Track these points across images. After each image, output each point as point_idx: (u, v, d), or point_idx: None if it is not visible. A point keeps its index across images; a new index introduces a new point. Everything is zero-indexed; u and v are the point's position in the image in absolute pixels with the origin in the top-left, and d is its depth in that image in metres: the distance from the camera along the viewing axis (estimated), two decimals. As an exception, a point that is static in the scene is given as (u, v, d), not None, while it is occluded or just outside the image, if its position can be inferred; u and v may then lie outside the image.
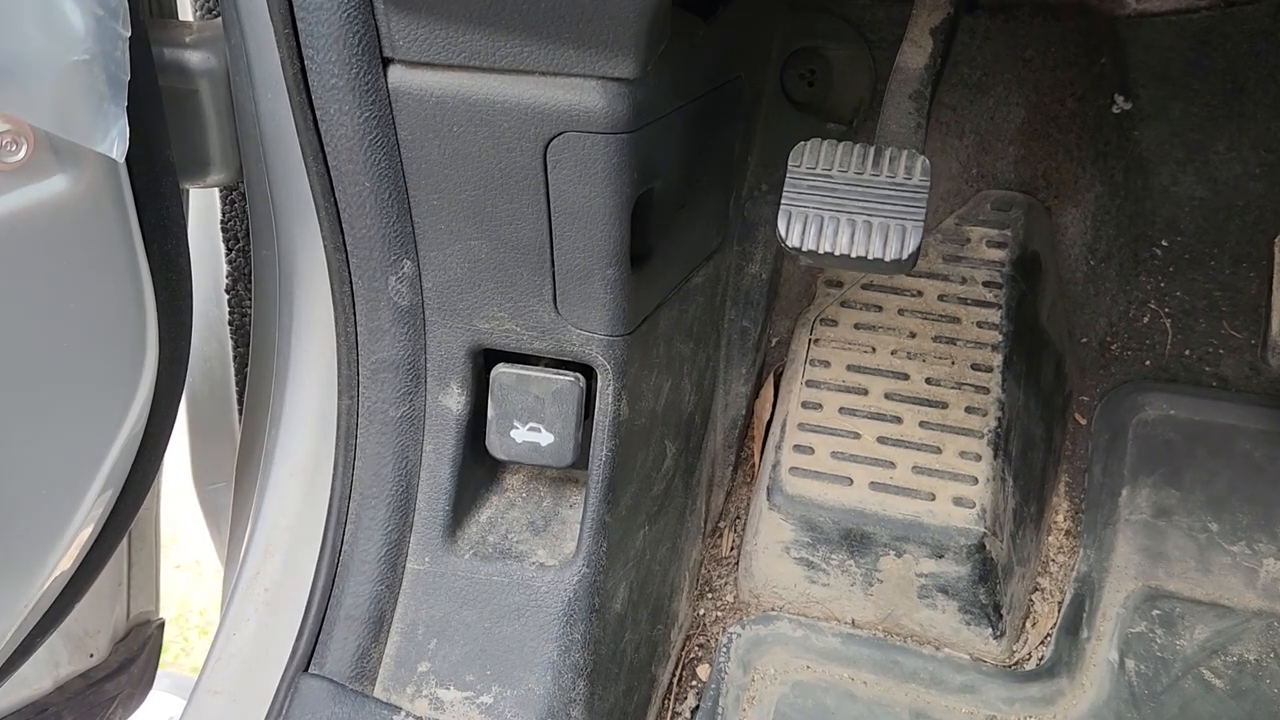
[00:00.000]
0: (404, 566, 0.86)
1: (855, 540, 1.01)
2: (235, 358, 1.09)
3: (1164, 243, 1.21)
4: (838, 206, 0.66)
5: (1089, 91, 1.13)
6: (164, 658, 1.20)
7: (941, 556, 1.00)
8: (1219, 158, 1.18)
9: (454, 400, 0.85)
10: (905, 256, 0.65)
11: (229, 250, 1.07)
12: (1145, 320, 1.21)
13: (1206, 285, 1.21)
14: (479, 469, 0.88)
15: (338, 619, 0.85)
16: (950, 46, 0.75)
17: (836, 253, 0.65)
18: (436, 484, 0.86)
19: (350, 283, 0.81)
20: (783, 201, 0.66)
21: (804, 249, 0.65)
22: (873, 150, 0.67)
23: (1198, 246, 1.20)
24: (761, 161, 1.07)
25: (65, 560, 0.87)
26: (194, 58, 0.86)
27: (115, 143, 0.69)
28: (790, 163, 0.67)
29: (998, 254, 1.09)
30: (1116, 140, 1.17)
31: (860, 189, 0.66)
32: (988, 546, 1.00)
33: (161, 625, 1.11)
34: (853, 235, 0.65)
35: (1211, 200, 1.19)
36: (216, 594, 1.35)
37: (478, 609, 0.86)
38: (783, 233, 0.65)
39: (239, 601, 0.93)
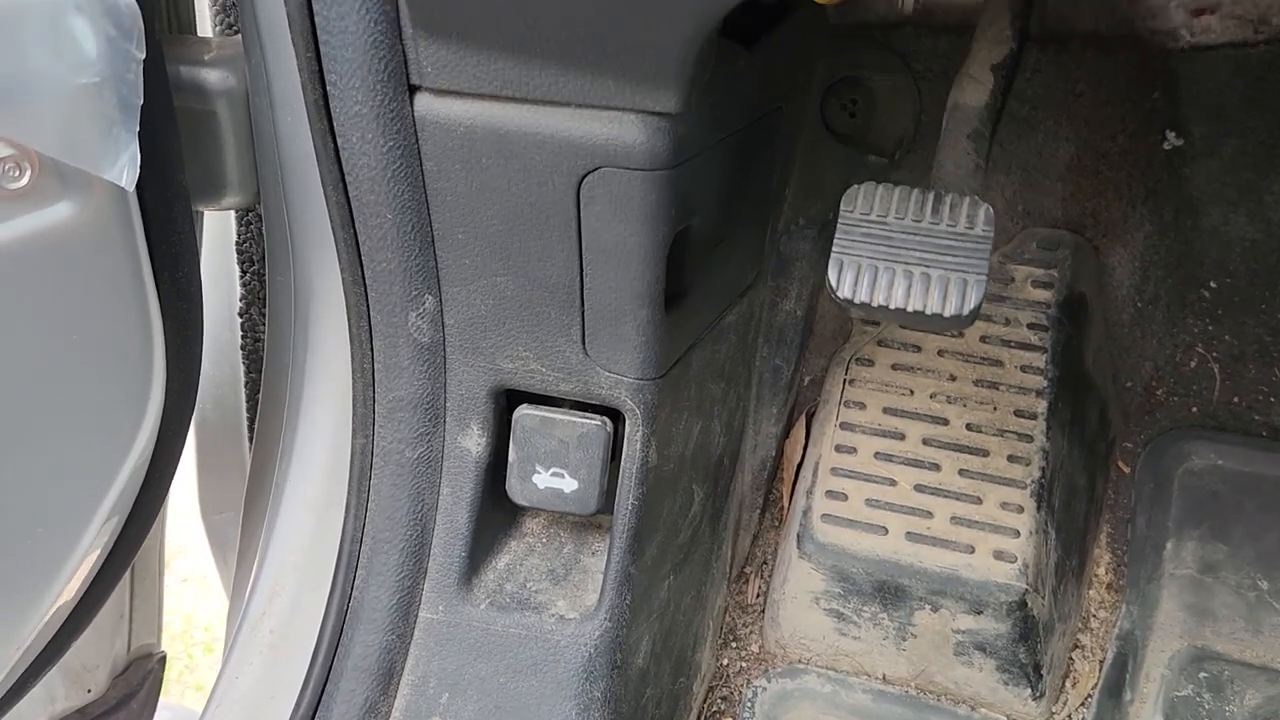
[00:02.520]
0: (416, 615, 0.82)
1: (889, 593, 0.97)
2: (246, 383, 1.05)
3: (1213, 284, 1.16)
4: (893, 256, 0.61)
5: (1140, 127, 1.09)
6: (168, 674, 1.16)
7: (980, 613, 0.95)
8: (1272, 198, 1.13)
9: (474, 442, 0.80)
10: (966, 313, 0.60)
11: (243, 273, 1.03)
12: (1192, 365, 1.16)
13: (1256, 330, 1.16)
14: (498, 513, 0.84)
15: (345, 669, 0.81)
16: (1011, 84, 0.70)
17: (891, 306, 0.61)
18: (453, 529, 0.82)
19: (369, 317, 0.77)
20: (834, 250, 0.61)
21: (856, 301, 0.61)
22: (931, 196, 0.62)
23: (1248, 289, 1.15)
24: (799, 194, 1.02)
25: (67, 591, 0.84)
26: (212, 76, 0.82)
27: (125, 170, 0.65)
28: (842, 207, 0.62)
29: (1043, 294, 1.04)
30: (1167, 178, 1.12)
31: (918, 238, 0.61)
32: (1029, 603, 0.95)
33: (163, 659, 1.07)
34: (909, 288, 0.61)
35: (1263, 242, 1.14)
36: (221, 610, 1.31)
37: (493, 662, 0.81)
38: (833, 283, 0.61)
39: (243, 642, 0.89)
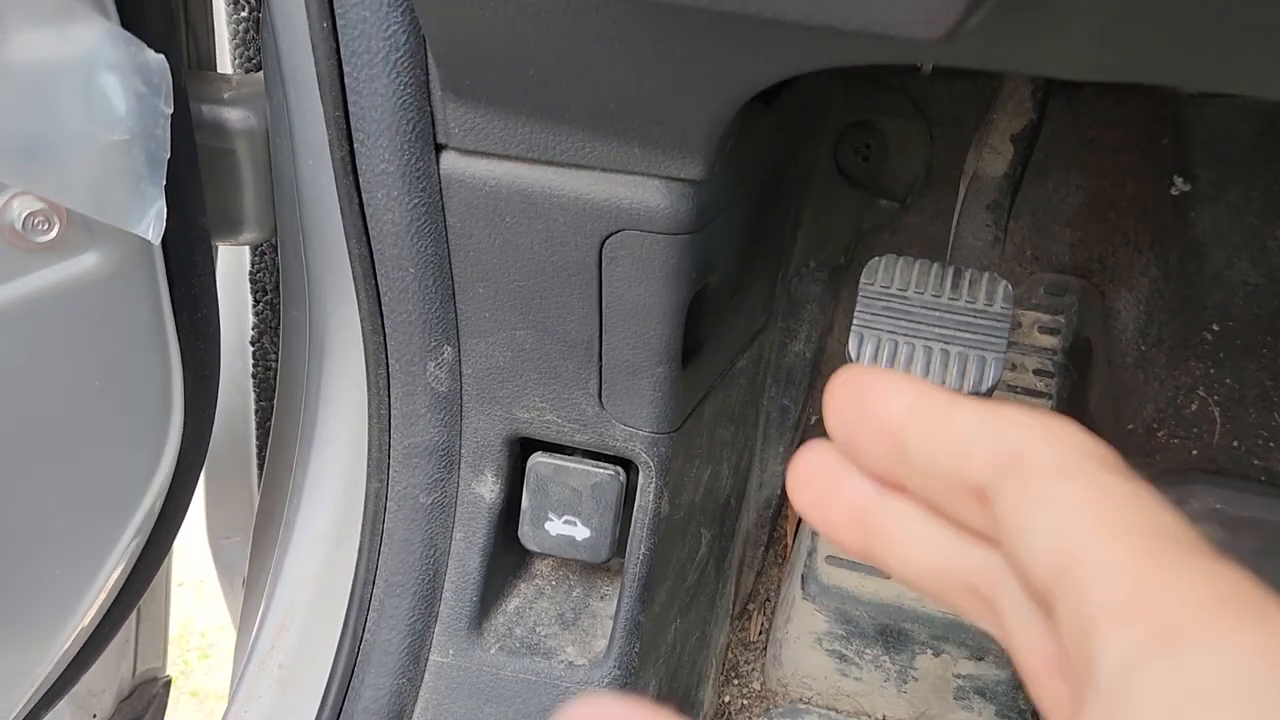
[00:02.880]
0: (427, 659, 0.83)
1: (892, 636, 0.97)
2: (257, 411, 1.06)
3: (1215, 328, 1.17)
4: (913, 331, 0.62)
5: (1149, 174, 1.10)
6: (168, 655, 1.17)
7: (981, 659, 0.96)
8: (1276, 244, 1.14)
9: (488, 489, 0.81)
10: (984, 389, 0.61)
11: (256, 302, 1.03)
12: (1193, 408, 1.18)
13: (1258, 374, 1.17)
14: (509, 557, 0.85)
15: (355, 712, 0.82)
16: (1030, 154, 0.71)
17: None
18: (465, 574, 0.82)
19: (386, 365, 0.77)
20: (855, 323, 0.62)
21: None
22: (951, 271, 0.63)
23: (1250, 333, 1.16)
24: (810, 237, 1.03)
25: (84, 620, 0.85)
26: (233, 115, 0.83)
27: (152, 225, 0.65)
28: (863, 280, 0.63)
29: (1050, 340, 1.05)
30: (1173, 223, 1.13)
31: (937, 313, 0.62)
32: (1029, 650, 0.96)
33: (168, 683, 1.07)
34: (928, 363, 0.61)
35: (1266, 287, 1.15)
36: (219, 617, 1.31)
37: (503, 708, 0.82)
38: (853, 355, 0.61)
39: (251, 676, 0.89)
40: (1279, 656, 0.25)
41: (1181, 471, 1.15)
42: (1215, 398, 1.18)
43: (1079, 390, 1.06)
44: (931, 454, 0.30)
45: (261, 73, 0.82)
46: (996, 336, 0.62)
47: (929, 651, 0.97)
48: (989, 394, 0.62)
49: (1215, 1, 0.45)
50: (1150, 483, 0.28)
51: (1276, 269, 1.14)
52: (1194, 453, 1.18)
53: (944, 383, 0.61)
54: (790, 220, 0.97)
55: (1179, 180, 1.12)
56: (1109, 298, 1.12)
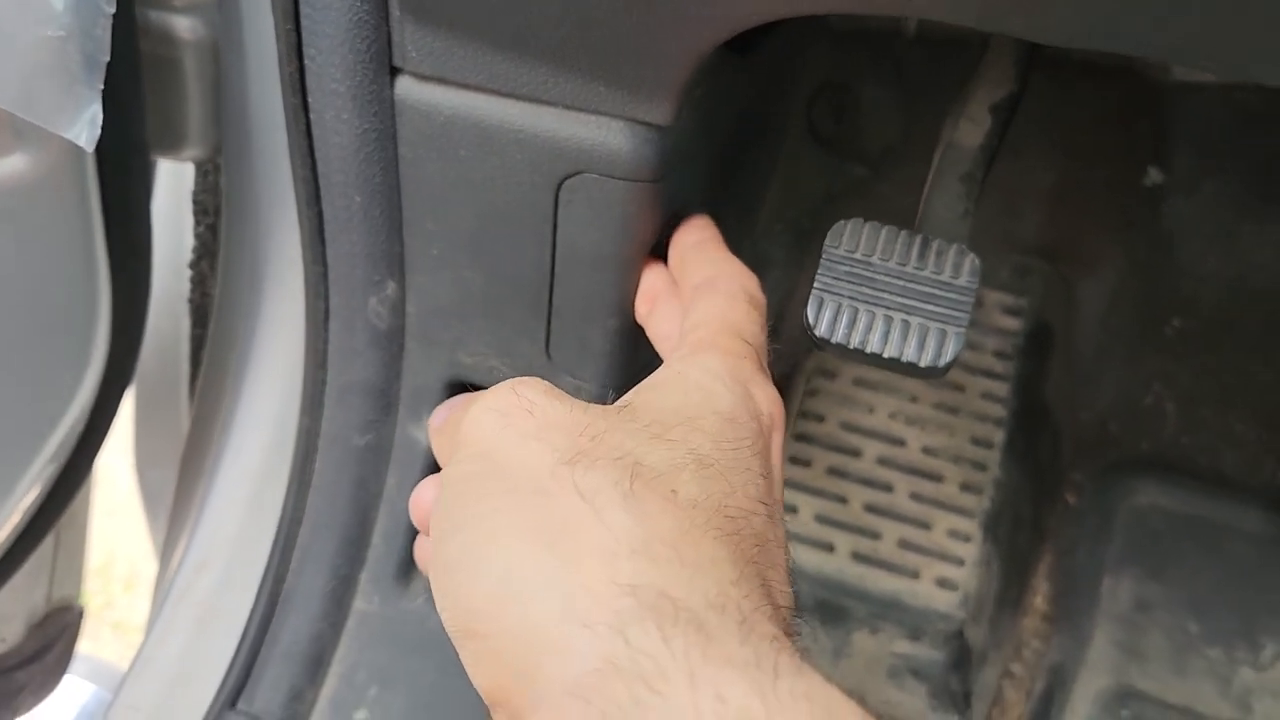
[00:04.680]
0: (350, 605, 0.80)
1: (830, 611, 0.96)
2: (191, 338, 1.02)
3: (1176, 322, 1.16)
4: (874, 299, 0.59)
5: (1124, 160, 1.08)
6: (84, 599, 1.13)
7: (918, 639, 0.95)
8: (1246, 241, 1.13)
9: (425, 433, 0.78)
10: (942, 364, 0.58)
11: (197, 224, 0.99)
12: (1148, 401, 1.16)
13: (1217, 372, 1.16)
14: (443, 506, 0.82)
15: (273, 655, 0.79)
16: (1008, 127, 0.68)
17: (867, 350, 0.59)
18: (396, 519, 0.79)
19: (326, 299, 0.74)
20: (815, 286, 0.59)
21: (833, 341, 0.59)
22: (918, 240, 0.60)
23: (1212, 331, 1.15)
24: (778, 198, 1.00)
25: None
26: (181, 24, 0.78)
27: (85, 130, 0.61)
28: (827, 243, 0.60)
29: (1012, 323, 1.04)
30: (1145, 212, 1.11)
31: (901, 282, 0.60)
32: (966, 633, 0.95)
33: (81, 613, 1.03)
34: (887, 333, 0.59)
35: (1233, 284, 1.14)
36: (144, 547, 1.28)
37: (426, 659, 0.80)
38: (811, 320, 0.59)
39: (169, 612, 0.86)
40: (728, 366, 0.52)
41: (1130, 465, 1.14)
42: (1171, 393, 1.17)
43: (1036, 375, 1.05)
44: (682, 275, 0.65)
45: (214, -18, 0.78)
46: (960, 310, 0.59)
47: (866, 629, 0.95)
48: (947, 368, 0.60)
49: None
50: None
51: (1244, 266, 1.13)
52: (1144, 447, 1.17)
53: (901, 354, 0.59)
54: (759, 179, 0.95)
55: (1154, 170, 1.10)
56: (1074, 284, 1.10)
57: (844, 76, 0.99)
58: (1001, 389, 1.01)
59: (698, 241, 0.67)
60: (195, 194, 0.98)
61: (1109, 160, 1.07)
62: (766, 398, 0.53)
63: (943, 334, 0.59)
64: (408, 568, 0.80)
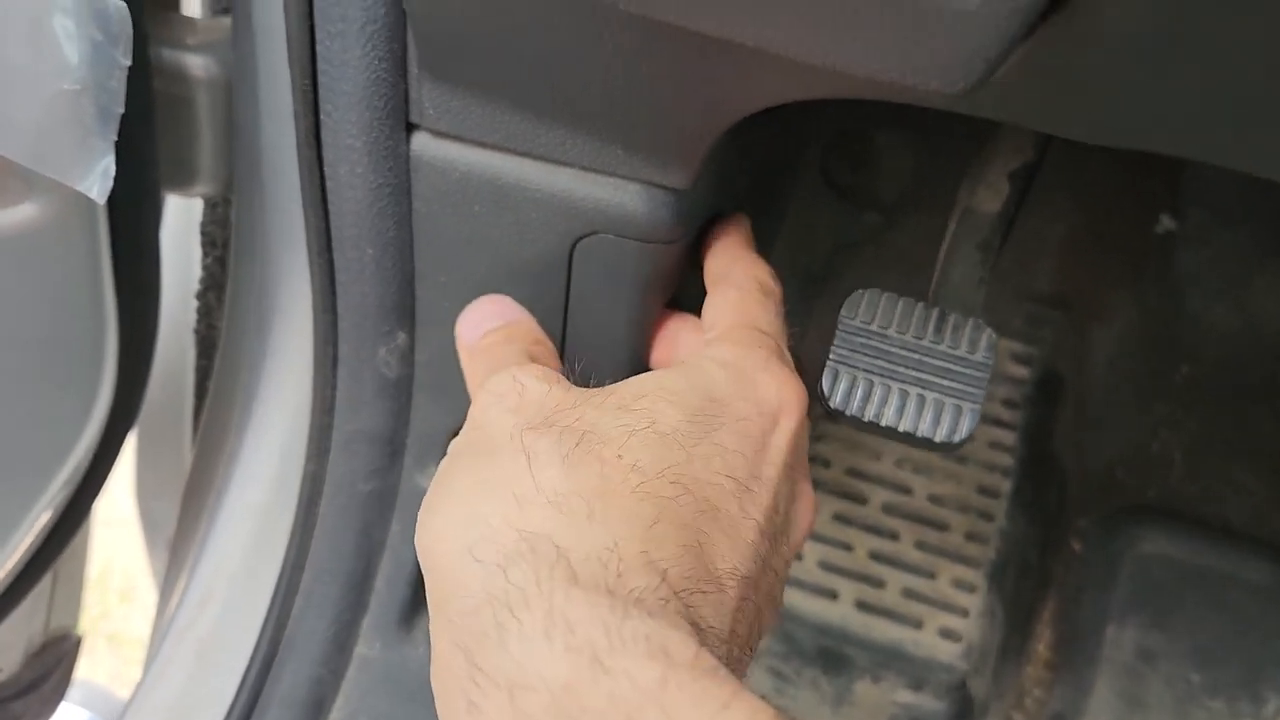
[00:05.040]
0: (352, 651, 0.79)
1: (832, 659, 0.95)
2: (196, 369, 1.01)
3: (1184, 369, 1.16)
4: (890, 372, 0.59)
5: (1138, 209, 1.07)
6: (82, 612, 1.13)
7: (920, 689, 0.94)
8: (1255, 292, 1.12)
9: (430, 480, 0.77)
10: (957, 440, 0.58)
11: (205, 255, 0.99)
12: (1155, 448, 1.16)
13: (1223, 421, 1.15)
14: (447, 553, 0.81)
15: (272, 700, 0.78)
16: (1026, 194, 0.68)
17: (882, 423, 0.59)
18: (399, 566, 0.79)
19: (335, 346, 0.73)
20: (830, 357, 0.59)
21: (848, 412, 0.59)
22: (935, 313, 0.60)
23: (1219, 379, 1.15)
24: (790, 244, 1.00)
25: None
26: (195, 63, 0.78)
27: (97, 183, 0.61)
28: (843, 313, 0.60)
29: (1021, 371, 1.03)
30: (1157, 262, 1.11)
31: (917, 356, 0.59)
32: (969, 685, 0.94)
33: (79, 642, 1.03)
34: (902, 407, 0.58)
35: (1240, 334, 1.14)
36: (142, 559, 1.27)
37: (426, 706, 0.78)
38: (826, 391, 0.58)
39: (169, 647, 0.86)
40: (735, 355, 0.55)
41: (1136, 512, 1.14)
42: (1178, 441, 1.16)
43: (1045, 424, 1.04)
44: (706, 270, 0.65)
45: (229, 20, 0.78)
46: (976, 386, 0.59)
47: (868, 678, 0.95)
48: (962, 444, 0.59)
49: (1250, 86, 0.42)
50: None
51: (1253, 317, 1.13)
52: (1151, 494, 1.16)
53: (916, 429, 0.59)
54: (770, 225, 0.94)
55: (1166, 219, 1.10)
56: (1085, 331, 1.10)
57: (861, 124, 0.99)
58: (1009, 438, 1.01)
59: (722, 236, 0.68)
60: (204, 225, 0.98)
61: (1122, 208, 1.06)
62: (776, 384, 0.54)
63: (958, 409, 0.59)
64: (410, 614, 0.80)
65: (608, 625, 0.40)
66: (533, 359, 0.59)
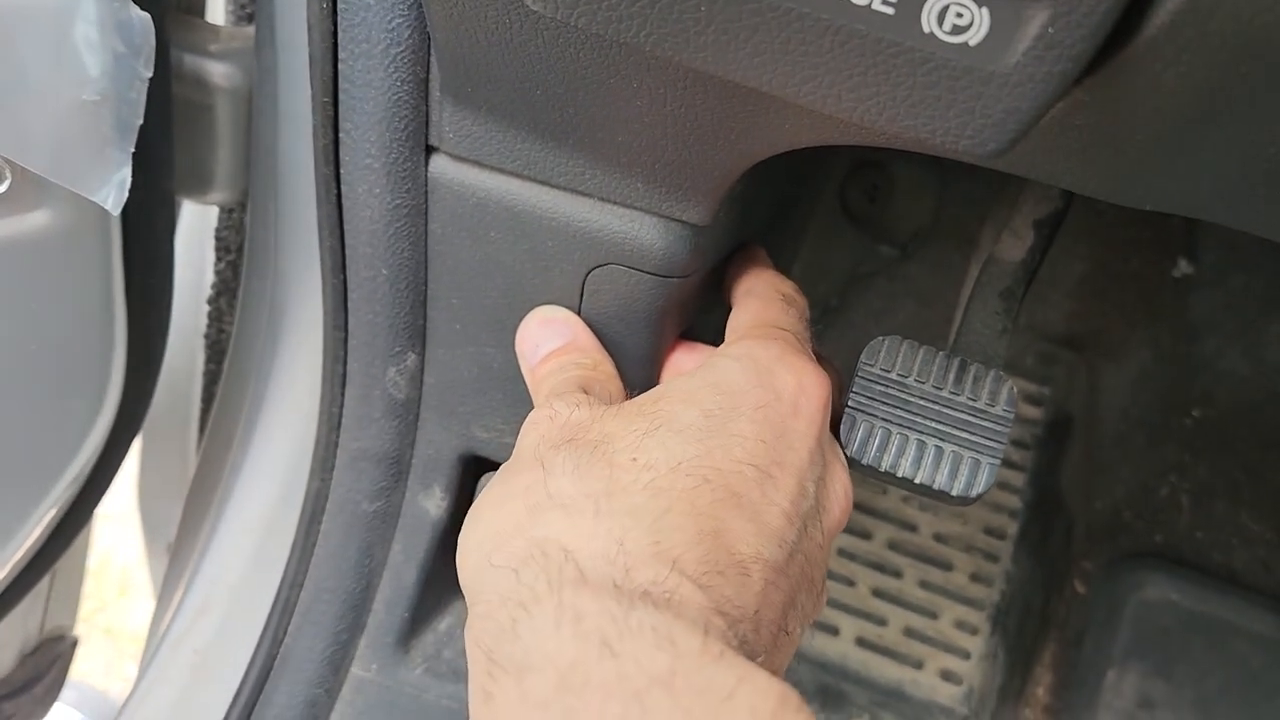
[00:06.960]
0: (348, 671, 0.79)
1: (831, 696, 0.95)
2: (204, 373, 1.01)
3: (1196, 413, 1.15)
4: (908, 422, 0.58)
5: (1155, 252, 1.07)
6: (80, 611, 1.12)
7: (917, 730, 0.93)
8: (1269, 337, 1.12)
9: (434, 504, 0.77)
10: (974, 494, 0.57)
11: (218, 260, 0.98)
12: (1163, 493, 1.15)
13: (1232, 467, 1.14)
14: (447, 576, 0.80)
15: (266, 717, 0.77)
16: (1051, 243, 0.67)
17: (899, 473, 0.58)
18: (399, 588, 0.78)
19: (344, 364, 0.73)
20: (849, 404, 0.58)
21: (864, 461, 0.58)
22: (955, 364, 0.59)
23: (1230, 424, 1.14)
24: (802, 275, 0.99)
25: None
26: (216, 70, 0.77)
27: (113, 194, 0.60)
28: (863, 360, 0.59)
29: (1032, 412, 1.02)
30: (1171, 304, 1.10)
31: (936, 407, 0.58)
32: (967, 728, 0.94)
33: (75, 643, 1.02)
34: (920, 458, 0.58)
35: (1253, 380, 1.13)
36: (141, 554, 1.27)
37: (420, 731, 0.78)
38: (843, 438, 0.58)
39: (165, 655, 0.85)
40: (751, 349, 0.56)
41: (1142, 556, 1.13)
42: (1186, 485, 1.15)
43: (1053, 465, 1.03)
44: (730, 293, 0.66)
45: (254, 26, 0.77)
46: (995, 440, 0.58)
47: (866, 716, 0.94)
48: (979, 498, 0.58)
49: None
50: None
51: (1266, 362, 1.12)
52: (1157, 539, 1.15)
53: (934, 481, 0.58)
54: (785, 255, 0.93)
55: (1183, 262, 1.09)
56: (1097, 373, 1.09)
57: (880, 155, 0.98)
58: (1018, 479, 1.00)
59: (743, 258, 0.70)
60: (218, 230, 0.97)
61: (1139, 251, 1.06)
62: (793, 372, 0.55)
63: (976, 464, 0.58)
64: (408, 636, 0.79)
65: (614, 617, 0.42)
66: (582, 385, 0.60)
